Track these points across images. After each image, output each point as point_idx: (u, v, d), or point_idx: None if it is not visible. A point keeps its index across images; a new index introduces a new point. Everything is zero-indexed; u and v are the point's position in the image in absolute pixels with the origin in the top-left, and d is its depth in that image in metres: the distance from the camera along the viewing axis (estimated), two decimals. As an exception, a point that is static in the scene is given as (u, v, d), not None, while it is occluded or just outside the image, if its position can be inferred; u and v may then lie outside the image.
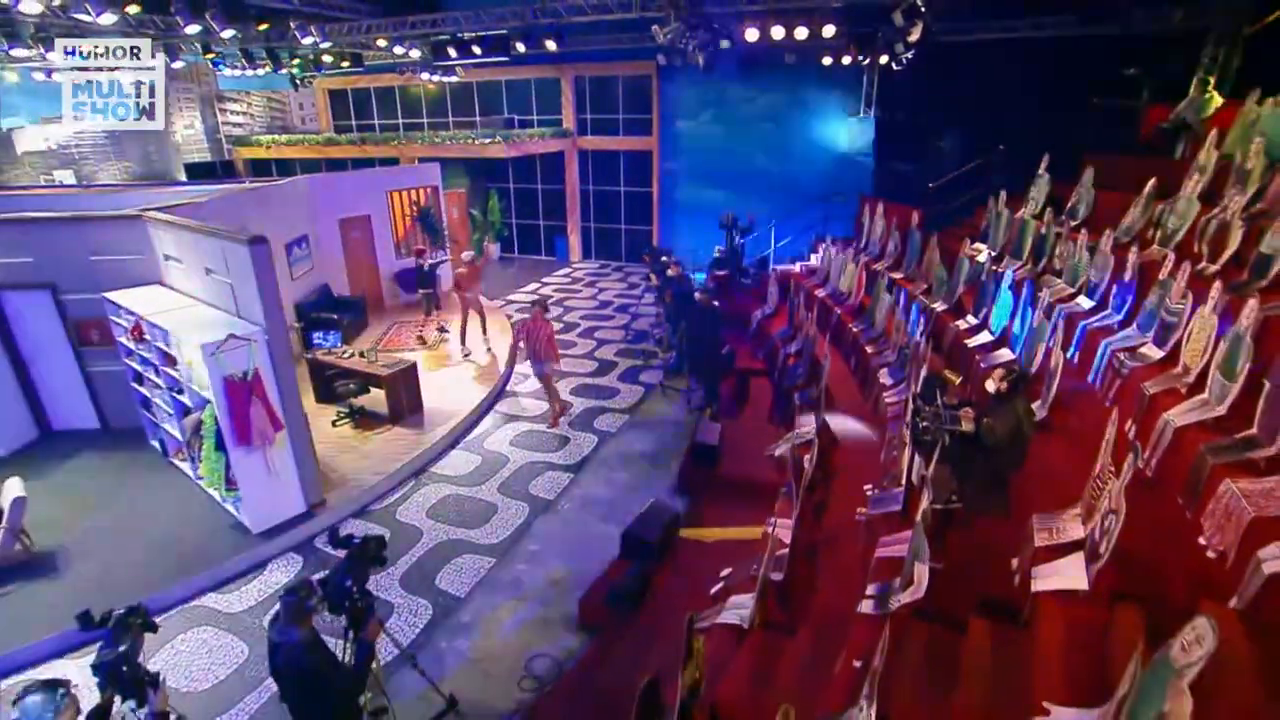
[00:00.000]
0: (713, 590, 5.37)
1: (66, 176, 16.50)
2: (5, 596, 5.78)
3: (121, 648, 3.26)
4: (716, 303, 9.42)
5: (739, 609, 4.74)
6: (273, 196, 11.31)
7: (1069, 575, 3.45)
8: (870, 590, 4.29)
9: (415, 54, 13.26)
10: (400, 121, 19.57)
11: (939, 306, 7.75)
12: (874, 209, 10.68)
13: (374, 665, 3.97)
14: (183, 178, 17.09)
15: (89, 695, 3.27)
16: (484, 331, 11.86)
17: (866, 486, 5.84)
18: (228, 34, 9.02)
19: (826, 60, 12.53)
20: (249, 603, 5.89)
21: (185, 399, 7.00)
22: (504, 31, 11.98)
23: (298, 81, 17.28)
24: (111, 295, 7.73)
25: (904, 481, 5.24)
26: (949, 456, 4.96)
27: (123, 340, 7.80)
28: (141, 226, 8.30)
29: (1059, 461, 4.77)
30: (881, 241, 10.19)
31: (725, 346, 10.12)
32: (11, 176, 16.03)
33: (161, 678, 3.35)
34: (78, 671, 4.11)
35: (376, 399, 9.09)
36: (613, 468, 8.07)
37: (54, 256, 8.23)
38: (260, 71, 14.78)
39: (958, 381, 6.10)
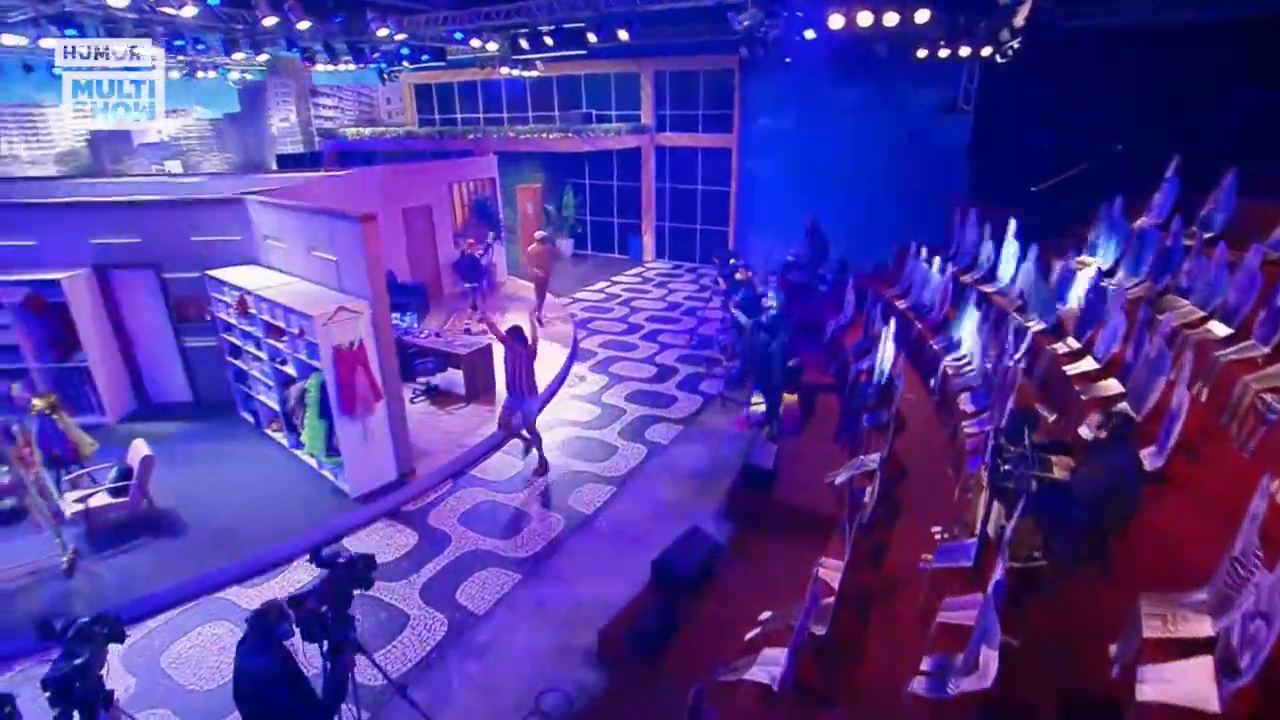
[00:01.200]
0: (748, 635, 4.78)
1: (175, 166, 17.55)
2: (136, 549, 6.20)
3: (78, 660, 3.05)
4: (773, 307, 8.73)
5: (771, 665, 4.14)
6: (344, 185, 11.55)
7: (1191, 687, 2.68)
8: (926, 665, 3.61)
9: (492, 46, 13.16)
10: (480, 116, 19.74)
11: (1035, 326, 6.81)
12: (966, 214, 9.68)
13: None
14: (274, 167, 17.82)
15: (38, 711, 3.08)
16: (537, 309, 12.09)
17: (935, 529, 5.10)
18: (304, 25, 9.15)
19: (921, 53, 11.54)
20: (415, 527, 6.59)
21: (289, 369, 7.29)
22: (580, 25, 11.67)
23: (385, 76, 17.68)
24: (213, 273, 8.24)
25: (978, 531, 4.49)
26: (1035, 508, 4.18)
27: (223, 316, 8.28)
28: (242, 208, 8.79)
29: (1179, 527, 3.90)
30: (973, 250, 9.21)
31: (794, 358, 9.45)
32: (127, 166, 17.18)
33: (116, 698, 3.12)
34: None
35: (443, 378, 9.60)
36: (659, 484, 7.57)
37: (159, 237, 8.73)
38: (348, 67, 15.18)
39: (1051, 418, 5.25)
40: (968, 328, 7.43)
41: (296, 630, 3.29)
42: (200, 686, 4.87)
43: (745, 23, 9.23)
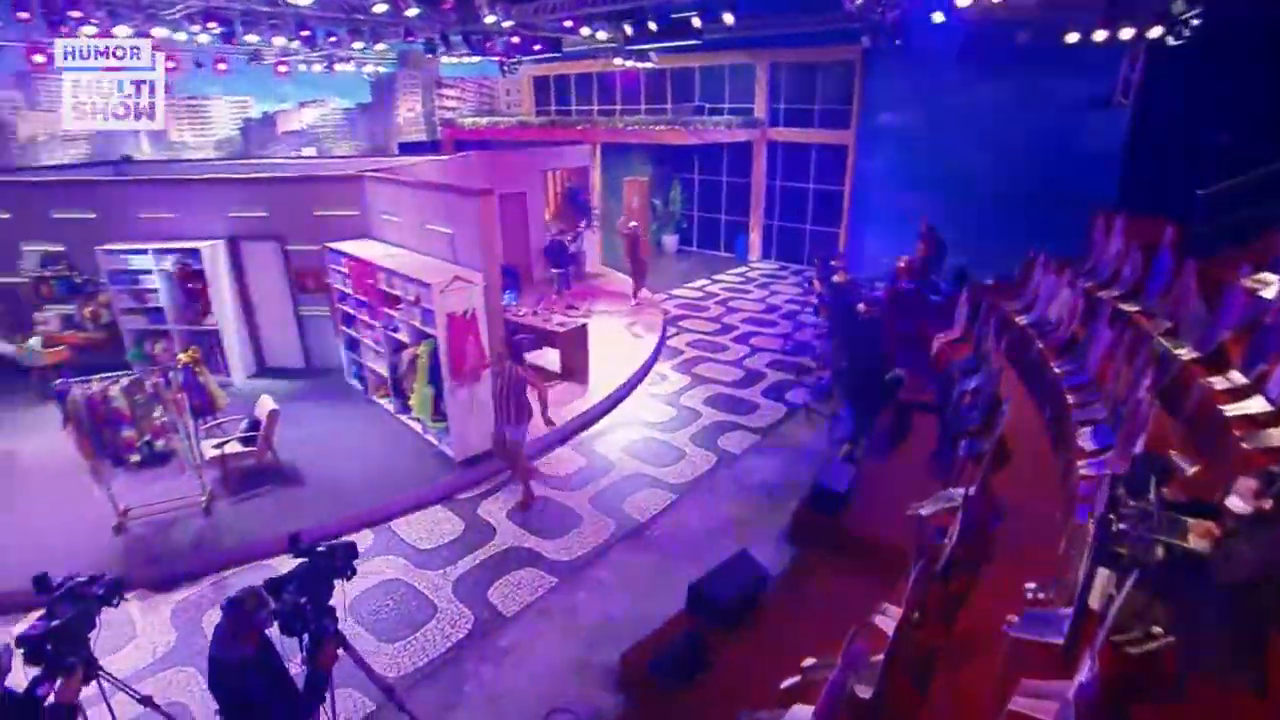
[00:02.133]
0: (785, 683, 4.19)
1: (309, 151, 18.90)
2: (261, 495, 6.74)
3: (55, 622, 3.03)
4: (869, 313, 7.88)
5: (800, 725, 3.57)
6: (448, 168, 11.88)
7: None
8: (984, 763, 2.91)
9: (602, 35, 13.02)
10: (595, 107, 19.78)
11: (1186, 354, 5.64)
12: (1111, 221, 8.35)
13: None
14: (395, 153, 18.76)
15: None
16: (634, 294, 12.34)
17: (1030, 586, 4.26)
18: (413, 12, 9.38)
19: (1072, 37, 10.13)
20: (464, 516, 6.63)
21: (402, 336, 7.63)
22: (690, 15, 11.27)
23: (505, 68, 18.11)
24: (333, 245, 8.74)
25: (1076, 598, 3.65)
26: (1156, 582, 3.33)
27: (340, 286, 8.76)
28: (360, 185, 9.38)
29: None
30: (1116, 262, 7.91)
31: (893, 371, 8.57)
32: (272, 151, 18.69)
33: (80, 668, 3.04)
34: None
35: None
36: (724, 496, 7.03)
37: (284, 211, 9.44)
38: (469, 59, 15.67)
39: (1192, 470, 4.24)
40: (1098, 351, 6.33)
41: (275, 621, 3.12)
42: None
43: (858, 1, 8.41)
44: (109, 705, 3.39)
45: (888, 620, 4.22)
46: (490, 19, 10.66)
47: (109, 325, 9.70)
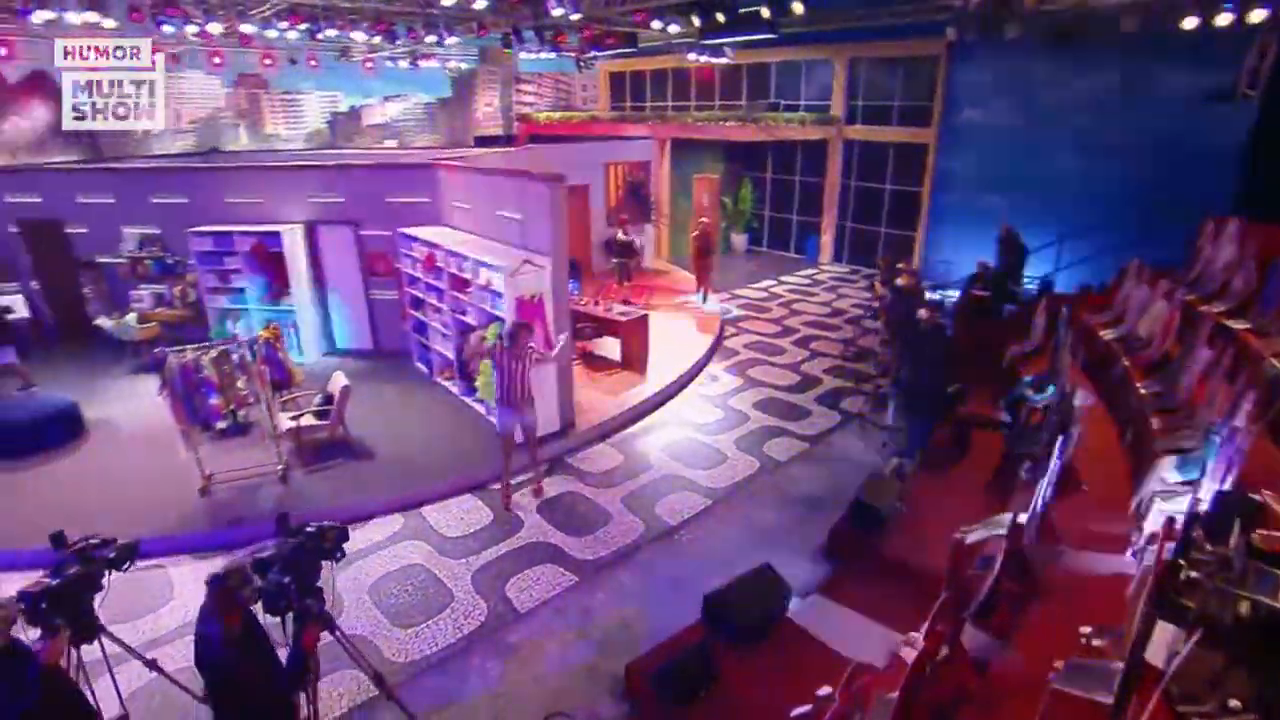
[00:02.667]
0: (796, 711, 3.88)
1: (391, 143, 19.63)
2: (332, 467, 7.03)
3: (55, 581, 3.11)
4: (931, 319, 7.32)
5: (801, 763, 3.26)
6: (517, 160, 12.00)
7: None
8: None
9: (673, 29, 12.82)
10: (669, 104, 19.57)
11: (1300, 380, 4.91)
12: (1222, 228, 7.46)
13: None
14: (471, 145, 19.20)
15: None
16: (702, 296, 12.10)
17: (1085, 631, 3.79)
18: (481, 4, 9.47)
19: (1189, 22, 9.16)
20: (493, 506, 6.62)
21: (469, 319, 7.85)
22: (759, 8, 10.88)
23: (581, 64, 18.19)
24: (405, 230, 9.04)
25: (1130, 650, 3.18)
26: (1235, 645, 2.84)
27: (410, 270, 9.04)
28: (432, 173, 9.69)
29: None
30: (1225, 274, 7.05)
31: (956, 384, 8.00)
32: (356, 143, 19.52)
33: (65, 630, 3.10)
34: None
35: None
36: (762, 505, 6.70)
37: (359, 198, 9.83)
38: (547, 55, 15.79)
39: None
40: (1194, 371, 5.63)
41: (258, 600, 3.10)
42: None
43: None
44: (109, 667, 3.47)
45: (912, 653, 3.83)
46: (558, 12, 10.65)
47: (195, 303, 10.30)
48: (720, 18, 10.75)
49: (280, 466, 6.82)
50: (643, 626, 4.97)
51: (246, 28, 10.46)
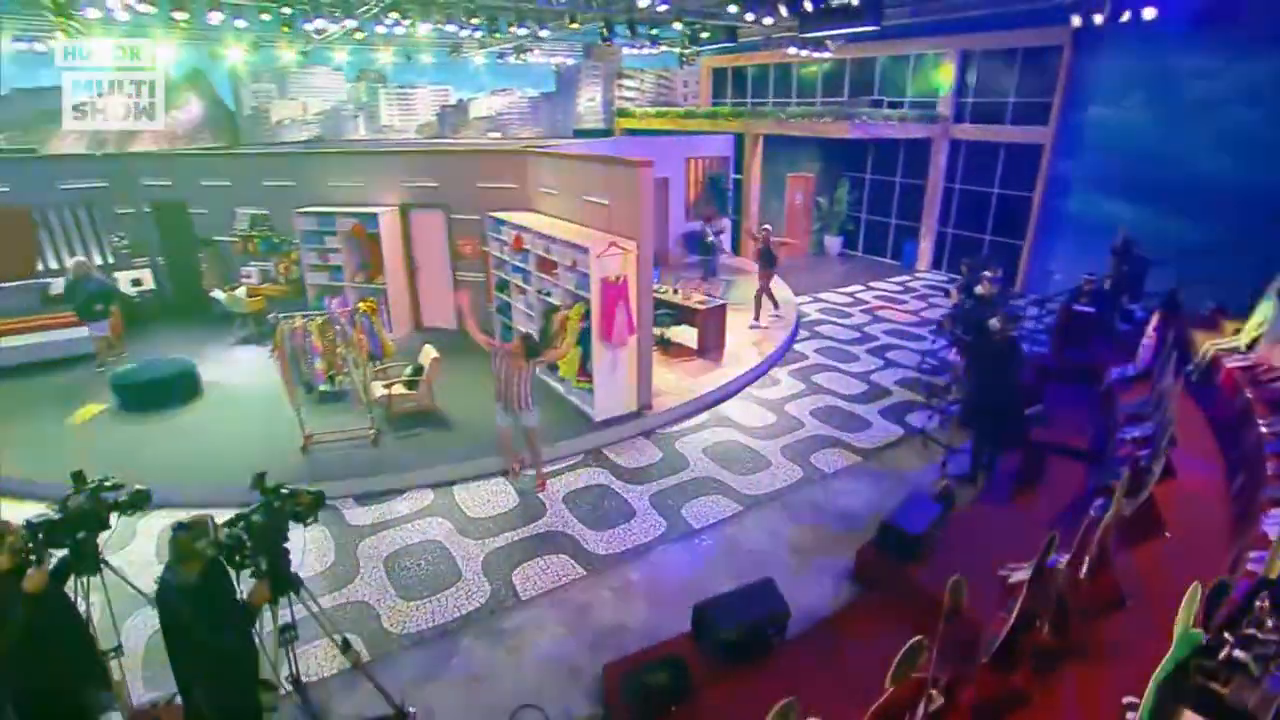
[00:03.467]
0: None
1: (495, 135, 20.37)
2: (419, 434, 7.44)
3: (58, 515, 3.35)
4: (1004, 331, 6.60)
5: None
6: (602, 151, 12.05)
7: None
8: None
9: (768, 21, 12.43)
10: (770, 100, 19.06)
11: None
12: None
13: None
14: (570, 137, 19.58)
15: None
16: (759, 296, 11.29)
17: (1127, 700, 3.26)
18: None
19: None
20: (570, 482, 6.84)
21: (554, 300, 8.10)
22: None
23: (683, 59, 18.06)
24: (495, 214, 9.38)
25: (1151, 732, 2.66)
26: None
27: (497, 253, 9.41)
28: (521, 160, 10.06)
29: None
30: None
31: (1036, 405, 7.25)
32: (463, 135, 20.40)
33: (46, 564, 3.31)
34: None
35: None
36: (796, 518, 6.30)
37: (452, 183, 10.31)
38: (646, 51, 15.85)
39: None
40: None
41: (216, 552, 3.20)
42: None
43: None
44: (108, 600, 3.72)
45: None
46: (644, 3, 10.55)
47: (296, 280, 11.10)
48: (808, 6, 10.25)
49: (372, 431, 7.29)
50: (639, 629, 4.79)
51: (350, 24, 11.13)
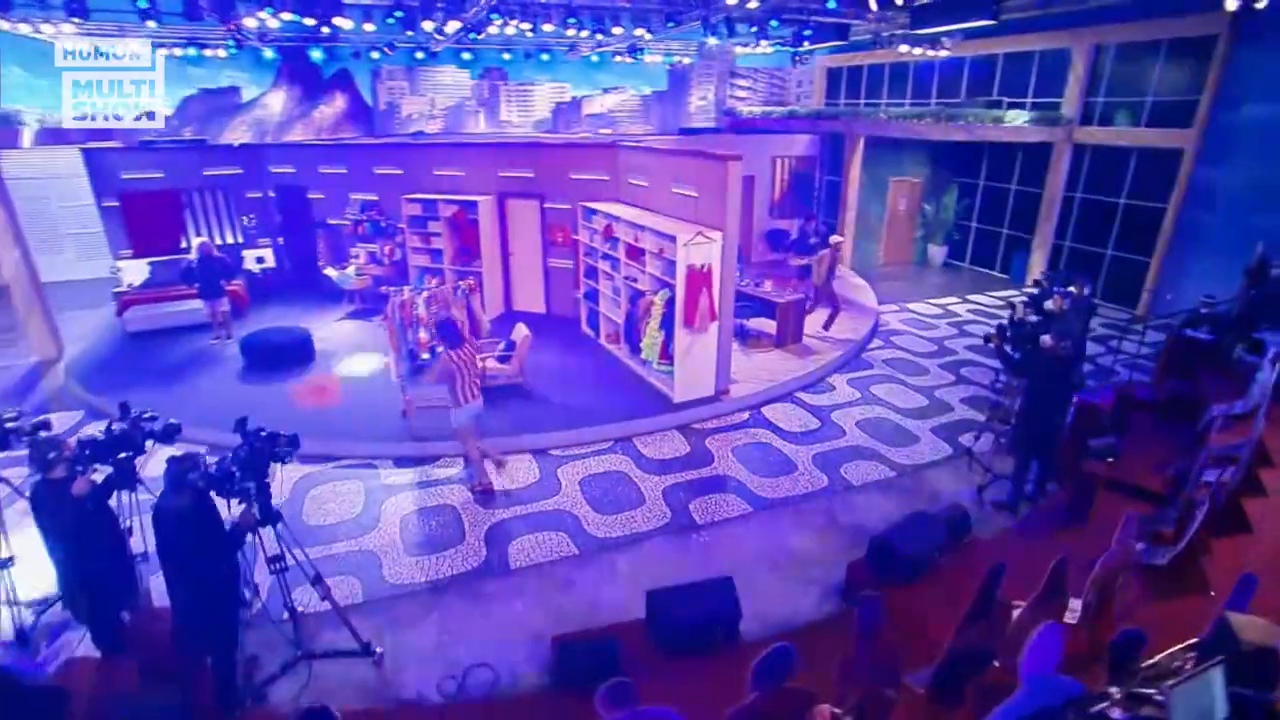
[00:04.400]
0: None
1: (606, 131, 21.01)
2: (509, 404, 8.00)
3: (101, 436, 4.01)
4: (1058, 348, 6.02)
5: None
6: (692, 145, 12.22)
7: None
8: None
9: (873, 17, 11.96)
10: (883, 101, 18.23)
11: None
12: None
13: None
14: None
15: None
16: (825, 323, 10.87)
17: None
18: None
19: None
20: (661, 453, 7.33)
21: (640, 286, 8.55)
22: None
23: (796, 59, 17.69)
24: (586, 204, 9.90)
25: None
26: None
27: (588, 242, 9.97)
28: (612, 152, 10.52)
29: None
30: None
31: (1105, 436, 6.60)
32: (574, 132, 21.18)
33: (90, 475, 3.95)
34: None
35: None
36: (806, 526, 6.13)
37: (546, 174, 10.96)
38: (760, 50, 15.72)
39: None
40: None
41: (206, 483, 3.69)
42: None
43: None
44: (139, 513, 4.36)
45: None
46: (731, 0, 10.50)
47: (399, 262, 12.11)
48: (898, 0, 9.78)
49: None
50: (609, 610, 4.90)
51: (452, 26, 11.91)
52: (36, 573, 4.52)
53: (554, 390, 8.42)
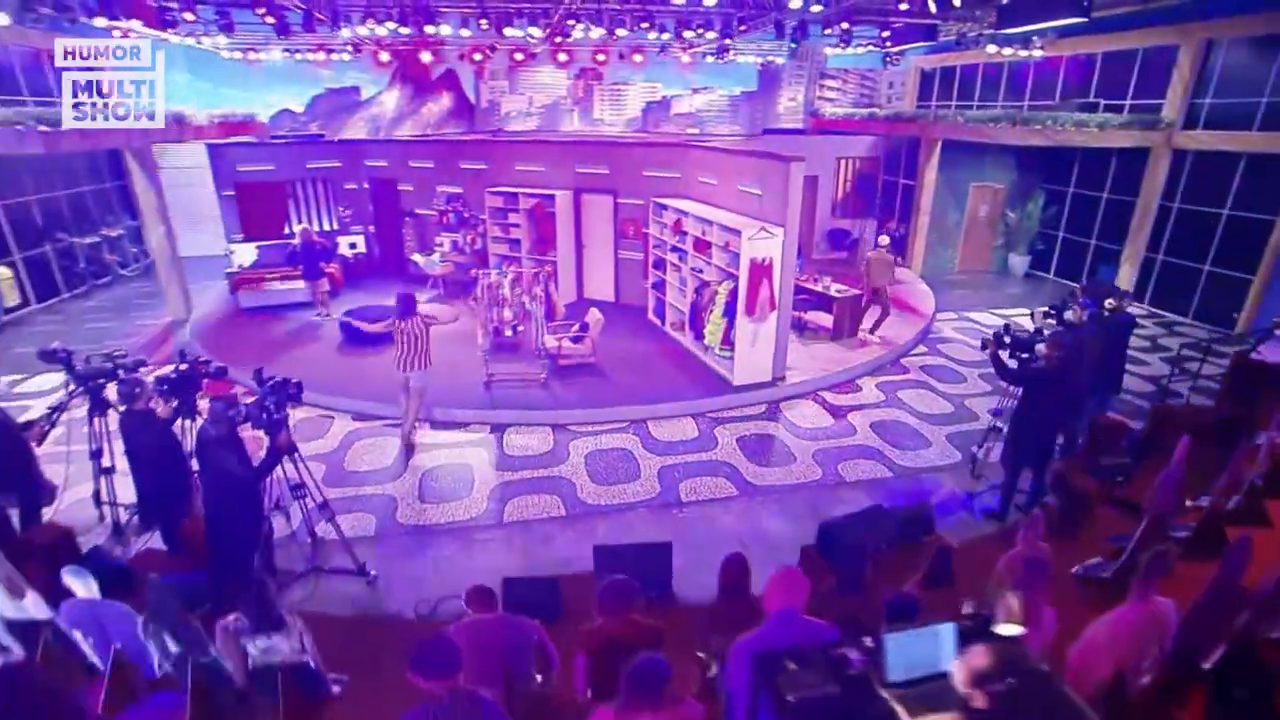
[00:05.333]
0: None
1: (692, 130, 21.46)
2: (579, 381, 8.87)
3: (171, 374, 5.07)
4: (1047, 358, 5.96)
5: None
6: (760, 146, 12.59)
7: None
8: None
9: (958, 17, 11.75)
10: (974, 103, 17.56)
11: None
12: None
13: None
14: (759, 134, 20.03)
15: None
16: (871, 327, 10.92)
17: None
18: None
19: None
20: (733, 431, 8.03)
21: (706, 277, 9.23)
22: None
23: (887, 60, 17.41)
24: (658, 199, 10.61)
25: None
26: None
27: (658, 235, 10.61)
28: (684, 151, 11.26)
29: None
30: None
31: (1124, 462, 6.48)
32: (663, 129, 21.81)
33: (169, 400, 5.00)
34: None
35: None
36: (784, 514, 6.43)
37: (620, 170, 11.75)
38: (851, 51, 15.69)
39: None
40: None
41: (243, 417, 4.60)
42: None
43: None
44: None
45: None
46: (796, 3, 10.68)
47: (479, 251, 13.20)
48: (956, 1, 9.62)
49: (542, 374, 8.79)
50: (578, 566, 5.48)
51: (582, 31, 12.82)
52: (128, 482, 5.68)
53: (621, 371, 9.19)
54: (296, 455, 4.90)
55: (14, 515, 4.92)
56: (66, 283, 13.83)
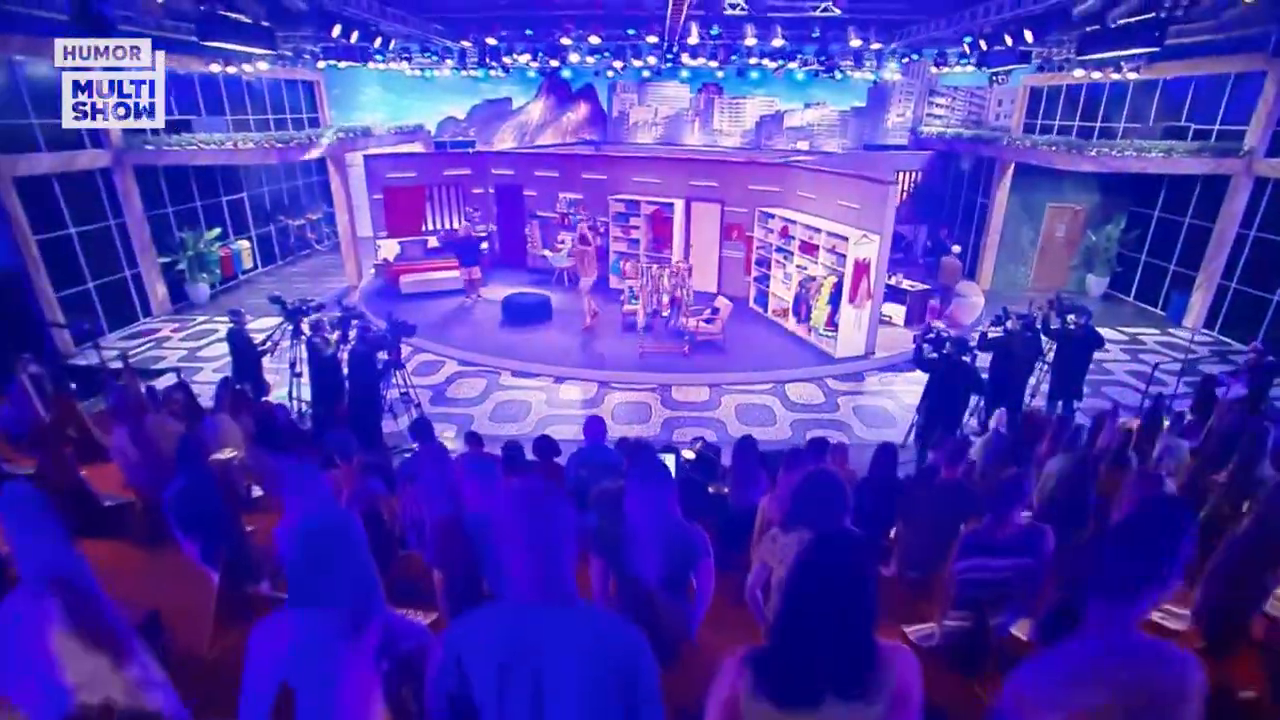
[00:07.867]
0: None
1: (803, 145, 22.94)
2: (708, 355, 11.20)
3: (284, 313, 8.04)
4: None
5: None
6: (836, 161, 14.41)
7: None
8: None
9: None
10: (1075, 124, 17.64)
11: None
12: None
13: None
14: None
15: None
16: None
17: None
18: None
19: None
20: (847, 387, 10.62)
21: (810, 272, 11.48)
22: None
23: (995, 79, 17.94)
24: (764, 209, 12.80)
25: None
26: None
27: (763, 238, 12.81)
28: (785, 170, 13.58)
29: None
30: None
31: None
32: (774, 142, 23.46)
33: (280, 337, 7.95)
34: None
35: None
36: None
37: (727, 183, 14.01)
38: (962, 69, 16.60)
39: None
40: None
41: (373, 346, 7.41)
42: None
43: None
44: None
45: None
46: (856, 42, 12.19)
47: (600, 249, 15.72)
48: (1029, 36, 10.86)
49: (685, 348, 11.05)
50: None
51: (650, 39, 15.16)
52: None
53: (738, 348, 11.53)
54: (403, 371, 7.67)
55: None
56: (281, 253, 18.35)
